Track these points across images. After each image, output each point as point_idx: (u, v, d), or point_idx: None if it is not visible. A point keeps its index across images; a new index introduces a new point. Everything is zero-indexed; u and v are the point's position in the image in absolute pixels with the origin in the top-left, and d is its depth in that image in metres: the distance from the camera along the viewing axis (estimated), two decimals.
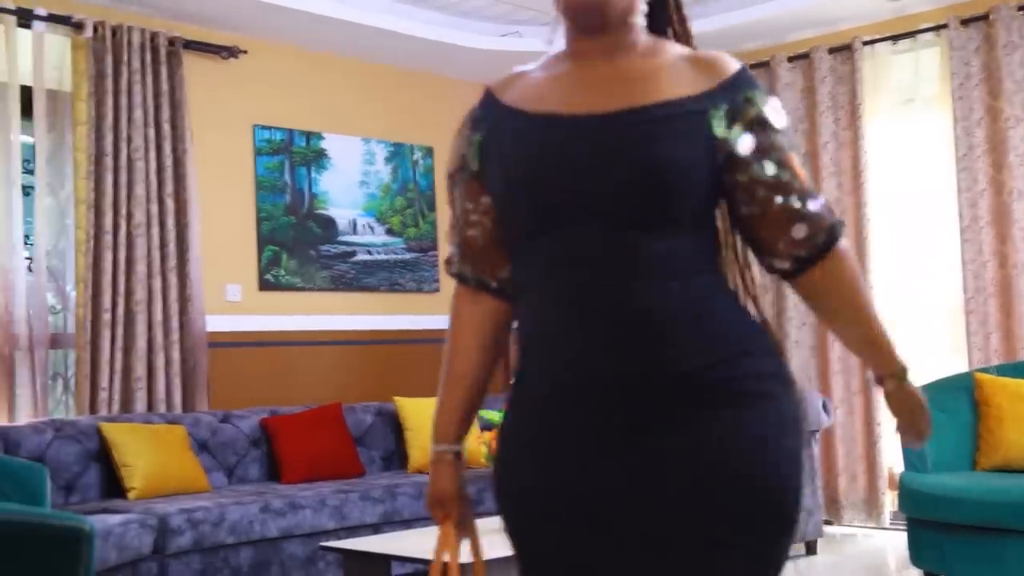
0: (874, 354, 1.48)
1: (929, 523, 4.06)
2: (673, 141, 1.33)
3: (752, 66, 5.82)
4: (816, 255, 1.39)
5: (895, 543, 5.04)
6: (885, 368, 1.48)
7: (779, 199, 1.37)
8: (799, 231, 1.38)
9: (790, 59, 5.77)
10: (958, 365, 5.14)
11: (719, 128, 1.35)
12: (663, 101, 1.35)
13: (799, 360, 5.67)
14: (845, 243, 1.42)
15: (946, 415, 4.30)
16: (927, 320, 5.44)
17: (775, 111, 1.40)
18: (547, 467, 1.37)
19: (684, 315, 1.33)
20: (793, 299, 5.68)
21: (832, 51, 5.64)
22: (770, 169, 1.37)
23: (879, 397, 5.42)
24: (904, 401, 1.50)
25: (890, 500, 5.37)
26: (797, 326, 5.68)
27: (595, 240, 1.34)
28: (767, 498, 1.32)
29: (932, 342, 5.42)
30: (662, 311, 1.32)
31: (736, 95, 1.37)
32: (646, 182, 1.32)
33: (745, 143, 1.36)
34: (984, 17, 5.18)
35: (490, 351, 1.53)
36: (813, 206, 1.38)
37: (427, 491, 1.53)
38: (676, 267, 1.34)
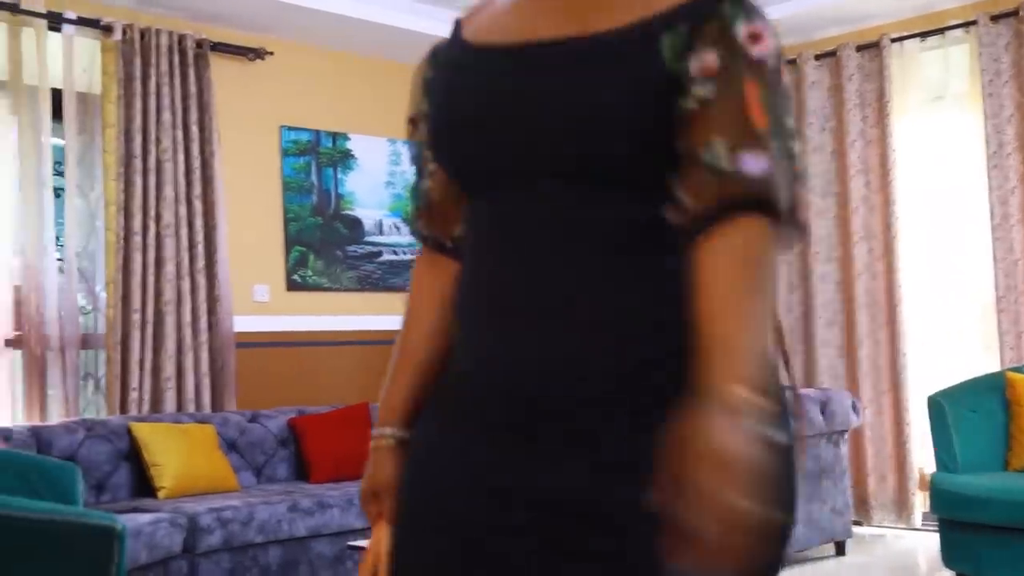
0: (714, 349, 0.97)
1: (961, 524, 4.03)
2: (601, 81, 1.06)
3: None
4: (705, 216, 1.03)
5: (926, 544, 5.00)
6: (716, 372, 0.95)
7: (698, 132, 1.04)
8: (698, 178, 1.03)
9: (817, 57, 5.74)
10: (990, 364, 5.09)
11: (672, 58, 1.06)
12: (603, 31, 1.09)
13: (827, 360, 5.63)
14: (765, 226, 1.02)
15: (978, 415, 4.27)
16: (958, 319, 5.39)
17: (752, 34, 1.06)
18: (435, 479, 1.16)
19: (617, 299, 1.07)
20: (821, 297, 5.65)
21: (860, 48, 5.60)
22: (701, 93, 1.05)
23: (906, 396, 5.39)
24: (706, 453, 0.89)
25: (920, 501, 5.33)
26: (824, 325, 5.65)
27: (528, 206, 1.11)
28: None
29: (963, 341, 5.37)
30: (597, 295, 1.07)
31: (703, 12, 1.07)
32: (562, 133, 1.07)
33: (694, 66, 1.05)
34: (1014, 13, 5.13)
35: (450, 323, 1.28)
36: (744, 159, 1.02)
37: (362, 482, 1.29)
38: (627, 239, 1.08)
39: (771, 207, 1.02)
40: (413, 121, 1.30)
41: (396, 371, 1.30)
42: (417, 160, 1.32)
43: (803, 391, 4.73)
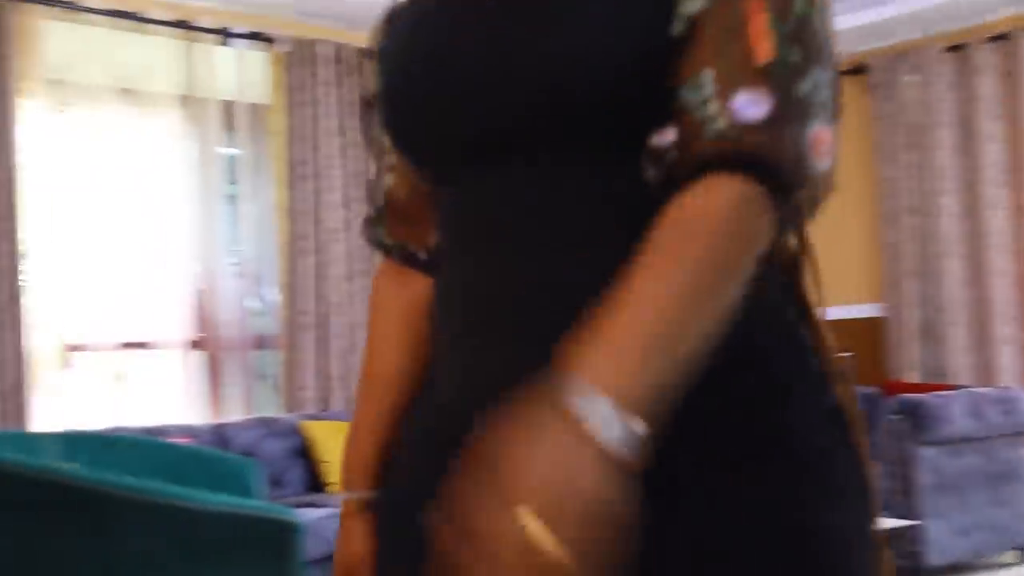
0: (600, 319, 0.70)
1: None
2: (582, 15, 0.81)
3: (947, 49, 5.56)
4: (680, 175, 0.78)
5: None
6: (581, 353, 0.68)
7: (685, 63, 0.79)
8: (680, 123, 0.79)
9: (989, 40, 5.47)
10: None
11: None
12: None
13: (1007, 358, 5.36)
14: (749, 192, 0.75)
15: None
16: None
17: None
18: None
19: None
20: (998, 293, 5.39)
21: None
22: (689, 9, 0.80)
23: None
24: (512, 478, 0.61)
25: None
26: (1003, 322, 5.38)
27: (507, 189, 0.85)
28: None
29: None
30: (580, 291, 0.81)
31: None
32: (538, 87, 0.81)
33: None
34: None
35: (426, 352, 1.02)
36: (738, 101, 0.76)
37: (334, 558, 1.05)
38: (629, 220, 0.82)
39: (766, 168, 0.75)
40: (368, 103, 1.03)
41: (360, 421, 1.04)
42: (376, 151, 1.05)
43: (979, 390, 4.52)
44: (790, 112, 0.76)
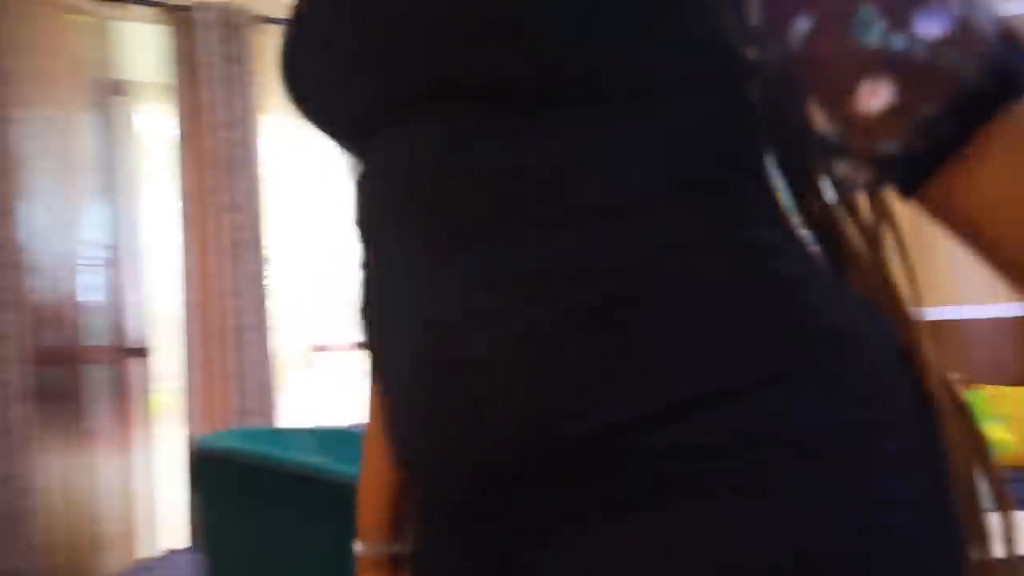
0: None
1: None
2: None
3: None
4: (928, 151, 0.58)
5: None
6: None
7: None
8: (876, 93, 0.58)
9: None
10: None
11: None
12: None
13: None
14: (1019, 126, 0.57)
15: None
16: None
17: None
18: None
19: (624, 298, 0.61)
20: None
21: None
22: None
23: None
24: None
25: None
26: None
27: (436, 149, 0.65)
28: None
29: None
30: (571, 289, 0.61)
31: None
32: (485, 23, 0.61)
33: None
34: None
35: None
36: (920, 22, 0.57)
37: None
38: (615, 195, 0.62)
39: (1007, 89, 0.57)
40: None
41: (368, 464, 0.91)
42: None
43: None
44: (964, 6, 0.59)
